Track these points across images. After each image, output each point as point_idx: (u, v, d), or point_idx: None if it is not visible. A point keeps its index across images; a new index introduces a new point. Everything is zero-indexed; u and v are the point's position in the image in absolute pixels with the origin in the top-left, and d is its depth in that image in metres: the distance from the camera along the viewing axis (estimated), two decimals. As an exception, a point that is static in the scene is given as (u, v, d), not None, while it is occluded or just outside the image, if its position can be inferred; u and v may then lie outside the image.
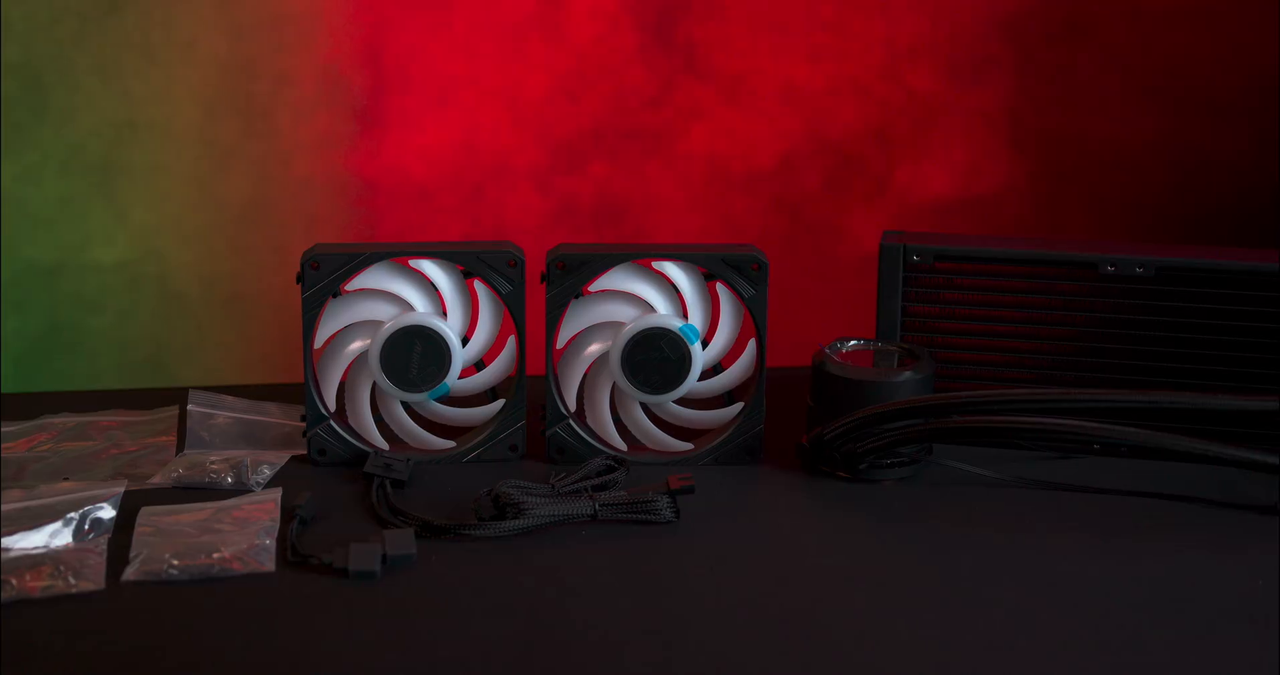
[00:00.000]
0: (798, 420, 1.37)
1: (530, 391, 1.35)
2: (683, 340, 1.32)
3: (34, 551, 1.15)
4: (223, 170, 1.82)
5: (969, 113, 1.88)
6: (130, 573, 1.12)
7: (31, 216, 1.79)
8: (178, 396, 1.47)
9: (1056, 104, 1.88)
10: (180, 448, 1.38)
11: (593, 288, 1.33)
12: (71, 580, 1.11)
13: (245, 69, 1.79)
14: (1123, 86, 1.87)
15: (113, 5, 1.74)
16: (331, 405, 1.34)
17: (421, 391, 1.33)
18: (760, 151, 1.89)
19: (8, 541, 1.15)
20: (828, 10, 1.84)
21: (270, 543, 1.17)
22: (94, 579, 1.11)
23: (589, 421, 1.36)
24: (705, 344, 1.34)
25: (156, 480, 1.30)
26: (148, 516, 1.21)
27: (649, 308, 1.33)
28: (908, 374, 1.31)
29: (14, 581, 1.10)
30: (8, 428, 1.42)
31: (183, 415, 1.44)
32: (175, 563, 1.13)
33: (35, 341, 1.83)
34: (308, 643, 1.05)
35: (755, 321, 1.33)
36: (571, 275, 1.32)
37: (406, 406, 1.35)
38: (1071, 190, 1.91)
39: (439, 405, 1.35)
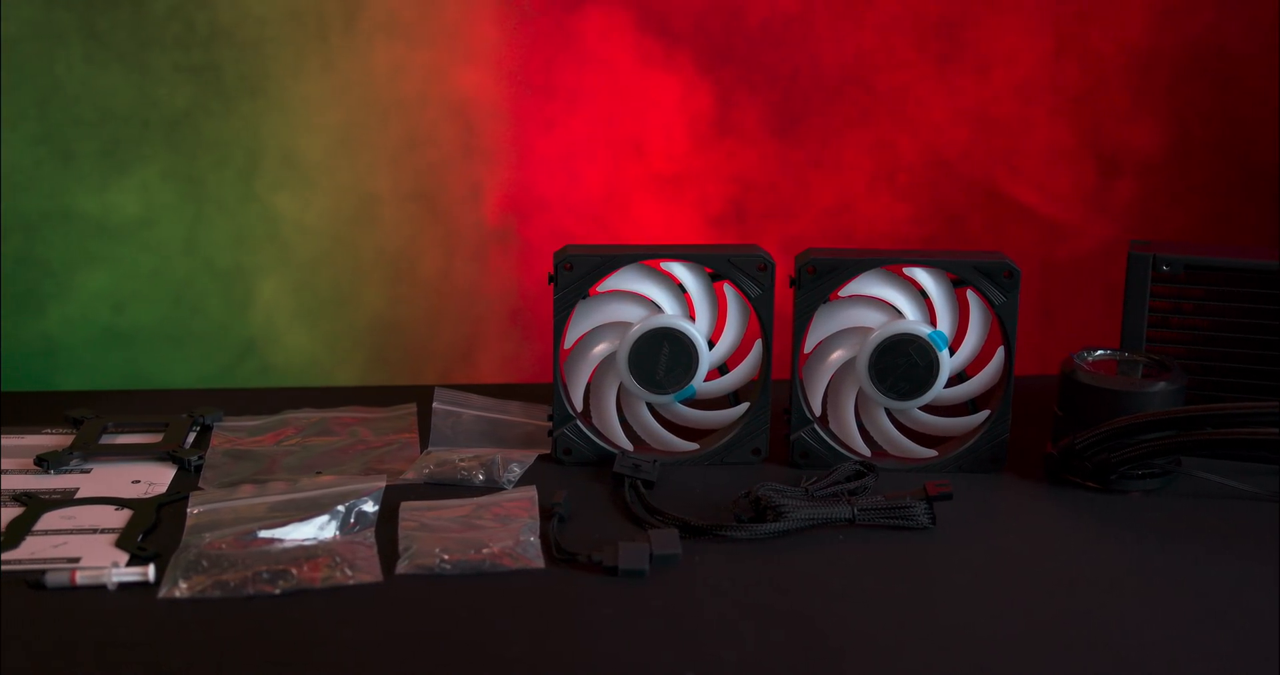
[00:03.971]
0: (1035, 428, 1.36)
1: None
2: (931, 346, 1.31)
3: (306, 543, 1.17)
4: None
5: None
6: (403, 566, 1.14)
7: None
8: (411, 394, 1.50)
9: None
10: (424, 444, 1.40)
11: (841, 293, 1.32)
12: (348, 572, 1.13)
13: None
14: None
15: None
16: (578, 405, 1.35)
17: (668, 393, 1.34)
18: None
19: (279, 532, 1.18)
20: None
21: (534, 539, 1.18)
22: (370, 571, 1.13)
23: (832, 426, 1.36)
24: (952, 351, 1.33)
25: (409, 476, 1.31)
26: (409, 511, 1.23)
27: (897, 313, 1.32)
28: (1162, 384, 1.30)
29: (294, 572, 1.12)
30: (251, 422, 1.45)
31: (421, 412, 1.46)
32: (446, 557, 1.14)
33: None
34: (583, 638, 1.06)
35: (1004, 329, 1.32)
36: (820, 280, 1.32)
37: (651, 408, 1.36)
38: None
39: (683, 407, 1.36)
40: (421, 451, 1.38)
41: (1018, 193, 1.83)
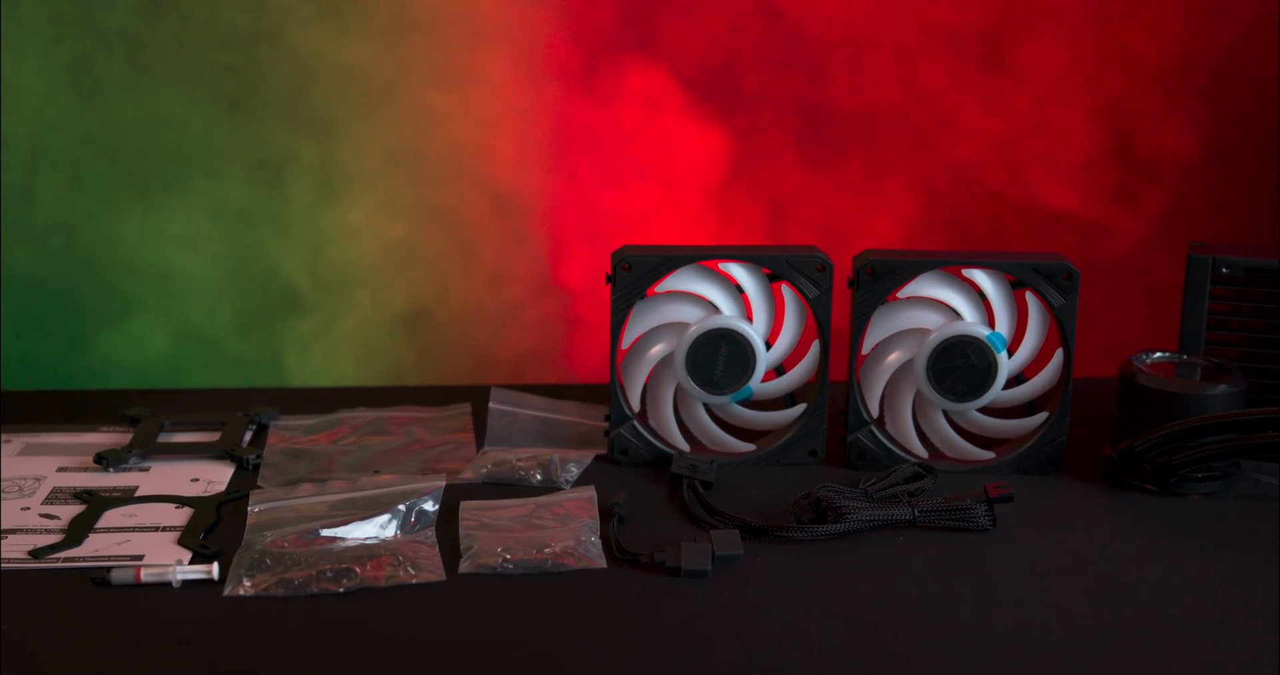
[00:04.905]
0: (1088, 429, 1.36)
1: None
2: (990, 348, 1.31)
3: (368, 542, 1.18)
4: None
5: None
6: (465, 565, 1.14)
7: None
8: (462, 393, 1.51)
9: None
10: (480, 444, 1.40)
11: (899, 294, 1.32)
12: (411, 571, 1.13)
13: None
14: None
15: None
16: (635, 406, 1.36)
17: (725, 394, 1.34)
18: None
19: (341, 531, 1.18)
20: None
21: (595, 539, 1.18)
22: (433, 570, 1.13)
23: (889, 428, 1.35)
24: (1010, 353, 1.33)
25: (467, 475, 1.32)
26: (469, 511, 1.23)
27: (955, 315, 1.32)
28: (1222, 387, 1.30)
29: (358, 570, 1.12)
30: (306, 421, 1.45)
31: (476, 411, 1.46)
32: (508, 557, 1.14)
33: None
34: (649, 639, 1.06)
35: (1063, 331, 1.32)
36: (879, 281, 1.31)
37: (707, 408, 1.36)
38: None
39: (740, 408, 1.36)
40: (477, 451, 1.38)
41: (1055, 195, 1.82)
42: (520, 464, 1.32)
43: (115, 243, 1.75)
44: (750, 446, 1.36)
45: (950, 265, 1.32)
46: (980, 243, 1.82)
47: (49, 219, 1.74)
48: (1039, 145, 1.81)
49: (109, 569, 1.12)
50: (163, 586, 1.11)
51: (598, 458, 1.37)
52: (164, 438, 1.40)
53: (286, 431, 1.42)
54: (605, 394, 1.38)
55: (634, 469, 1.35)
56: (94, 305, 1.77)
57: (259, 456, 1.35)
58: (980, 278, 1.32)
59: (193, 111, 1.72)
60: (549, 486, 1.30)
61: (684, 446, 1.35)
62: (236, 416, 1.43)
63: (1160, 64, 1.79)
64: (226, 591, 1.10)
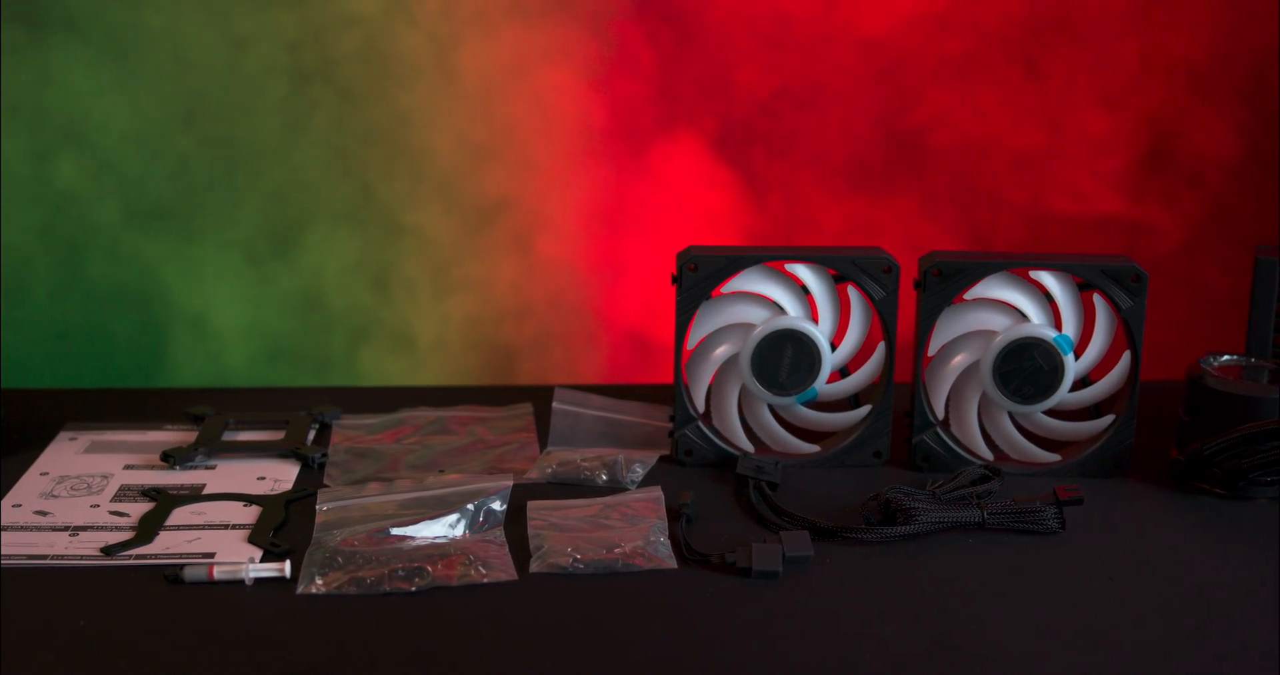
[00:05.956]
0: (1152, 432, 1.36)
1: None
2: (1056, 351, 1.31)
3: (438, 540, 1.18)
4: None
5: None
6: (536, 565, 1.14)
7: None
8: (525, 394, 1.52)
9: None
10: (543, 444, 1.40)
11: (966, 296, 1.32)
12: (482, 570, 1.13)
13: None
14: None
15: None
16: (699, 406, 1.35)
17: (790, 395, 1.34)
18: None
19: (410, 530, 1.18)
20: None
21: (664, 540, 1.18)
22: (505, 570, 1.14)
23: (954, 430, 1.35)
24: (1076, 355, 1.32)
25: (532, 475, 1.32)
26: (537, 510, 1.24)
27: (1022, 317, 1.32)
28: (1294, 390, 1.29)
29: (429, 569, 1.12)
30: (369, 420, 1.46)
31: (538, 411, 1.46)
32: (579, 557, 1.14)
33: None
34: (721, 640, 1.06)
35: (1130, 334, 1.31)
36: (945, 283, 1.31)
37: (772, 409, 1.36)
38: None
39: (804, 409, 1.36)
40: (540, 451, 1.38)
41: (1096, 198, 1.81)
42: (585, 464, 1.33)
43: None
44: (814, 448, 1.36)
45: (1017, 267, 1.32)
46: (1020, 247, 1.82)
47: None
48: (1081, 149, 1.80)
49: (182, 566, 1.12)
50: (235, 584, 1.11)
51: (661, 458, 1.36)
52: (228, 436, 1.41)
53: (350, 430, 1.43)
54: (668, 395, 1.38)
55: (698, 470, 1.35)
56: (158, 306, 1.77)
57: (324, 455, 1.35)
58: (1047, 279, 1.32)
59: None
60: (614, 487, 1.30)
61: (748, 447, 1.35)
62: (300, 415, 1.44)
63: (1202, 66, 1.77)
64: (299, 590, 1.10)
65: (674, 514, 1.23)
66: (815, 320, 1.33)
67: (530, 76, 1.74)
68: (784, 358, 1.32)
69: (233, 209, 1.74)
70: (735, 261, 1.31)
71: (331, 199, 1.75)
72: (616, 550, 1.16)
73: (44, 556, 1.16)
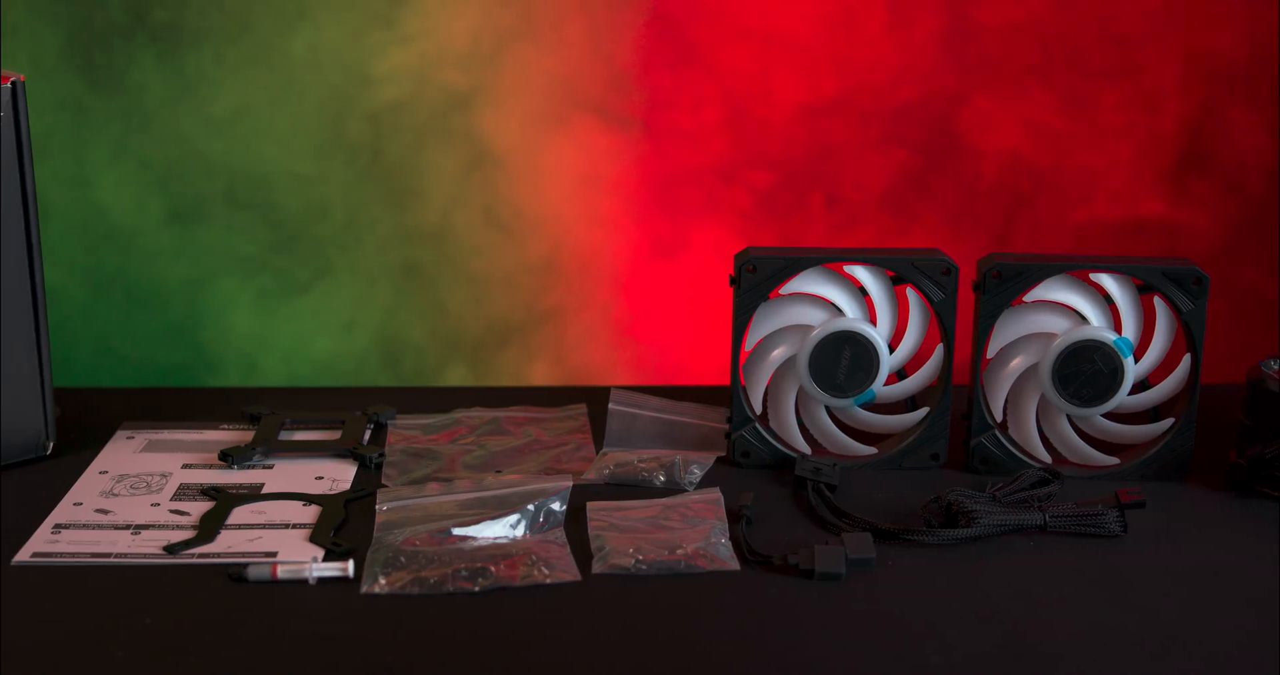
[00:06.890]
0: (1211, 436, 1.35)
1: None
2: (1116, 353, 1.30)
3: (499, 541, 1.18)
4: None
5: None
6: (598, 566, 1.14)
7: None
8: (579, 395, 1.53)
9: None
10: (599, 445, 1.40)
11: (1025, 298, 1.31)
12: (545, 570, 1.13)
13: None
14: None
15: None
16: (756, 408, 1.35)
17: (848, 397, 1.34)
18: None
19: (472, 530, 1.18)
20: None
21: (725, 541, 1.18)
22: (567, 570, 1.14)
23: (1012, 432, 1.35)
24: (1136, 358, 1.32)
25: (590, 476, 1.32)
26: (597, 511, 1.24)
27: (1081, 319, 1.31)
28: (1356, 394, 1.28)
29: (492, 569, 1.12)
30: (424, 420, 1.46)
31: (594, 412, 1.47)
32: (640, 558, 1.14)
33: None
34: (787, 641, 1.06)
35: (1191, 336, 1.31)
36: (1005, 285, 1.31)
37: (829, 411, 1.36)
38: None
39: (862, 411, 1.36)
40: (596, 452, 1.38)
41: (1135, 201, 1.81)
42: (643, 465, 1.33)
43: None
44: (872, 450, 1.36)
45: (1077, 269, 1.31)
46: (1059, 250, 1.81)
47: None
48: (1118, 151, 1.79)
49: (246, 565, 1.12)
50: (298, 583, 1.12)
51: (719, 460, 1.36)
52: (284, 435, 1.41)
53: (405, 431, 1.43)
54: (724, 396, 1.38)
55: (755, 471, 1.35)
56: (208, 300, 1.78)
57: (381, 455, 1.36)
58: (1107, 282, 1.31)
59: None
60: (672, 488, 1.30)
61: (805, 449, 1.35)
62: (356, 415, 1.44)
63: (1242, 68, 1.77)
64: (363, 589, 1.10)
65: (734, 515, 1.23)
66: (873, 322, 1.33)
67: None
68: (842, 359, 1.32)
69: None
70: (794, 263, 1.31)
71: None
72: (679, 551, 1.15)
73: (107, 554, 1.16)
